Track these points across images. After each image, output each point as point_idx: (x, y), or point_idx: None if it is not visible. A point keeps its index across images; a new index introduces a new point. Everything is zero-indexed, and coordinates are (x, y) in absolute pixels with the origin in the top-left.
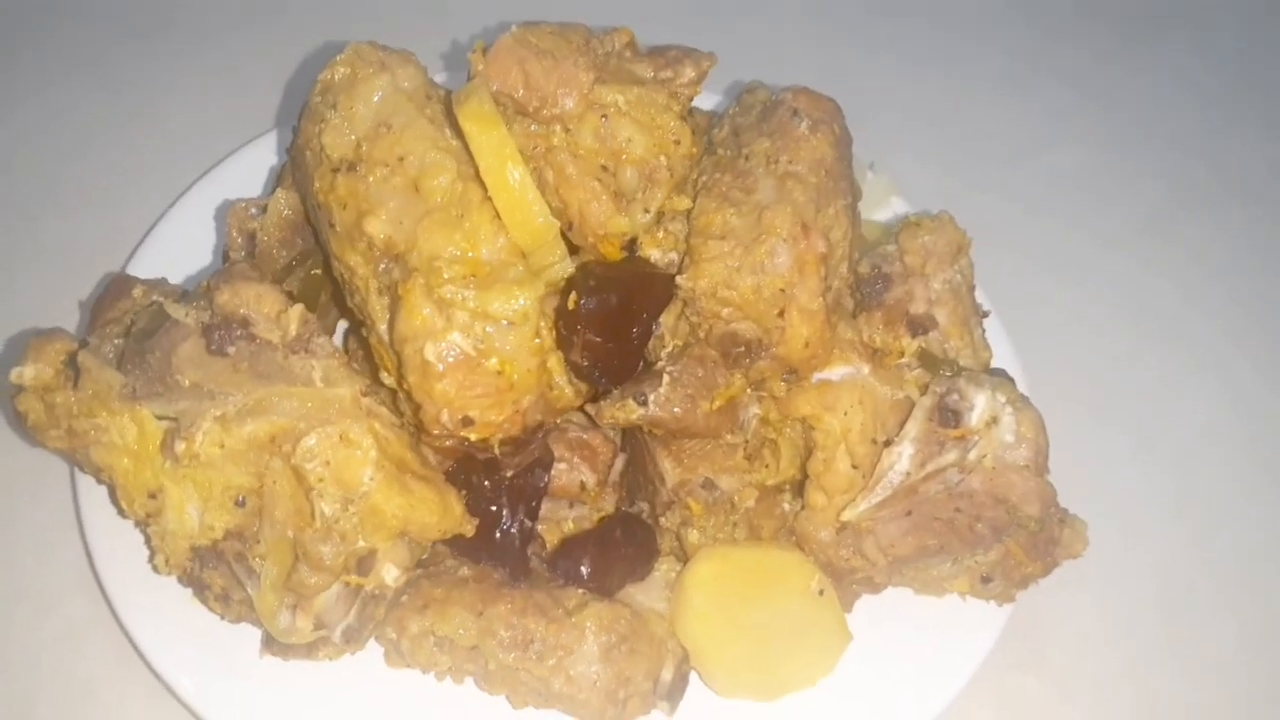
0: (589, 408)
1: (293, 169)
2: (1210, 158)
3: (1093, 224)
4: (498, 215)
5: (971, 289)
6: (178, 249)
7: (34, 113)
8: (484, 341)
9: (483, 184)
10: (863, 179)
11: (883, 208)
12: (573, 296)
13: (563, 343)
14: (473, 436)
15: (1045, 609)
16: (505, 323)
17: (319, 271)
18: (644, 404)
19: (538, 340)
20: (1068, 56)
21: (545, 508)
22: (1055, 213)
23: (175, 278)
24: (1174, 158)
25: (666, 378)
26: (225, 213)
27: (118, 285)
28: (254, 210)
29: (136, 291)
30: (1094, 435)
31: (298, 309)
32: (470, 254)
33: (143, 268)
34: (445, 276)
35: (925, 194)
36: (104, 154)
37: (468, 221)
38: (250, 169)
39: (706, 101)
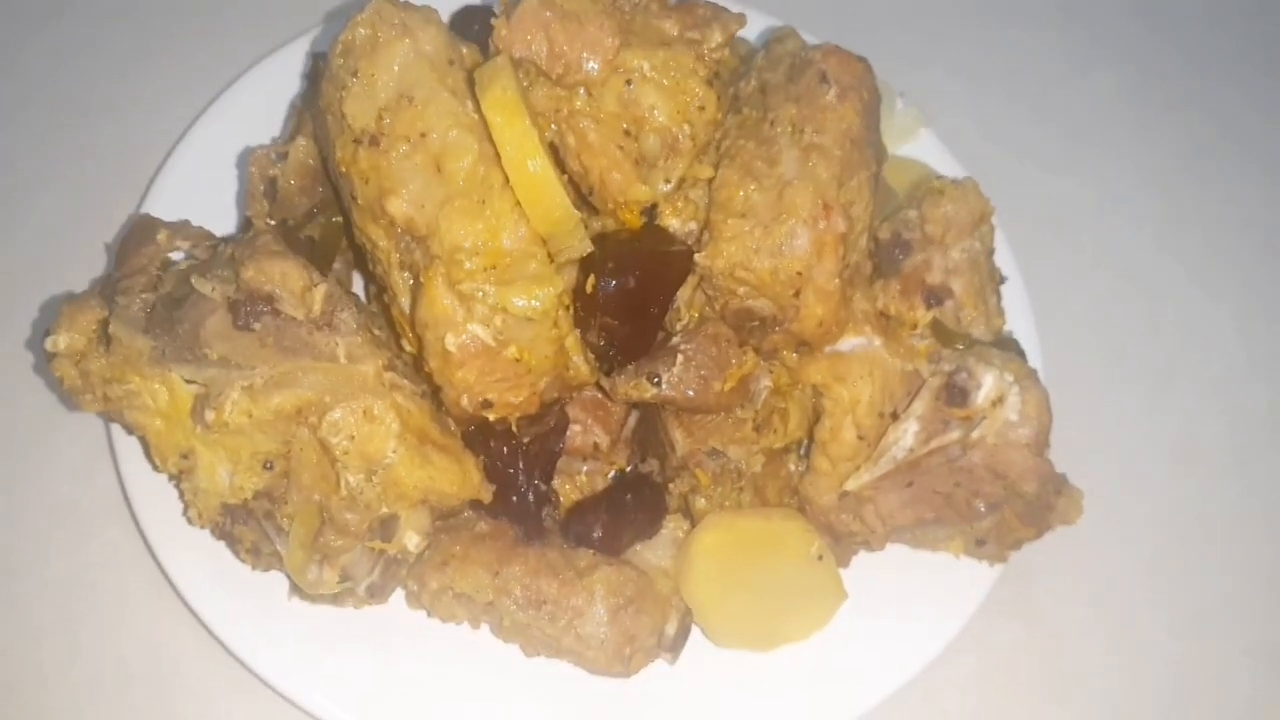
0: (603, 382)
1: (314, 124)
2: (1258, 88)
3: (1127, 156)
4: (519, 203)
5: (991, 254)
6: (198, 182)
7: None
8: (503, 332)
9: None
10: (892, 108)
11: (912, 140)
12: (591, 280)
13: (580, 323)
14: (491, 417)
15: (1035, 557)
16: (524, 318)
17: (340, 219)
18: (657, 384)
19: (555, 331)
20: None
21: (559, 462)
22: (1090, 142)
23: (196, 214)
24: (1220, 88)
25: (680, 357)
26: (245, 156)
27: (141, 229)
28: (275, 156)
29: (160, 236)
30: (1104, 384)
31: (322, 288)
32: (491, 243)
33: (161, 202)
34: (466, 268)
35: (957, 115)
36: (121, 66)
37: (489, 209)
38: (265, 90)
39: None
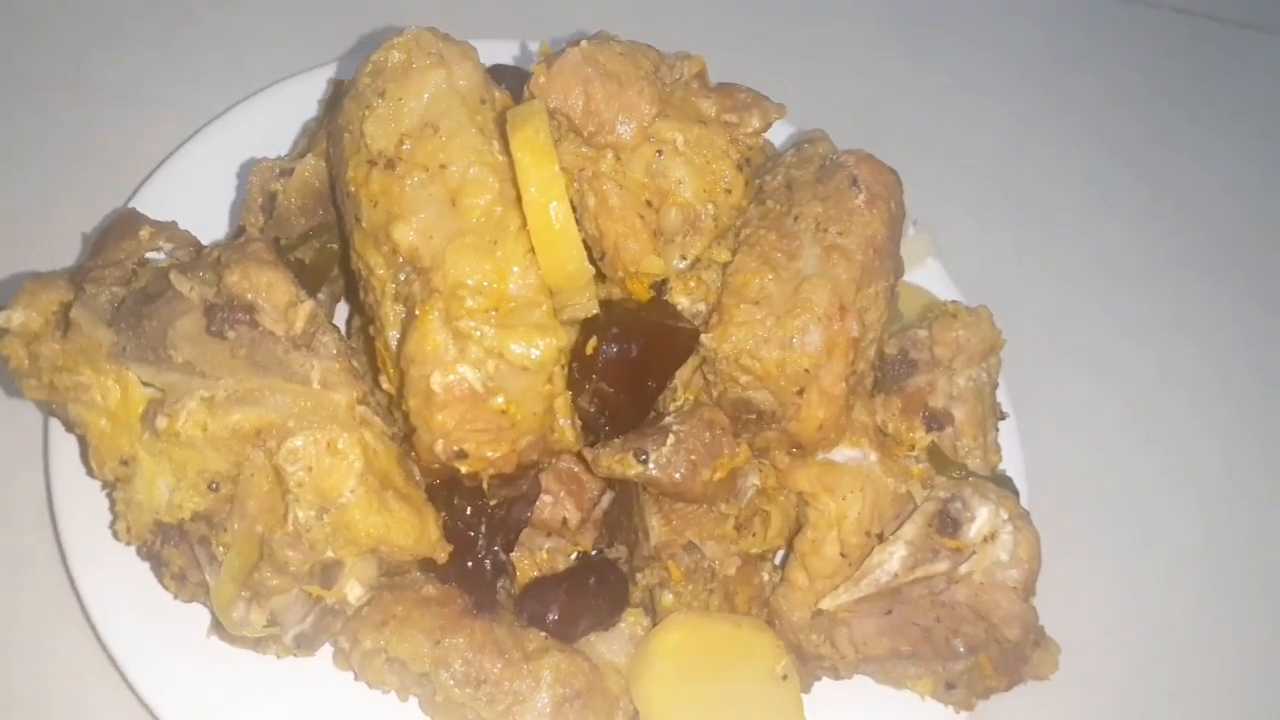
0: (585, 452)
1: (328, 143)
2: (1260, 263)
3: (1126, 310)
4: (533, 249)
5: (995, 387)
6: (193, 189)
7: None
8: (493, 379)
9: (523, 212)
10: (903, 235)
11: (919, 267)
12: (592, 342)
13: (574, 386)
14: (464, 469)
15: (1000, 704)
16: (520, 367)
17: (335, 246)
18: (644, 462)
19: (549, 387)
20: (1131, 130)
21: (522, 534)
22: (1092, 291)
23: (186, 220)
24: (1219, 252)
25: (671, 438)
26: (247, 168)
27: (124, 223)
28: (279, 171)
29: (143, 233)
30: (1085, 537)
31: (308, 305)
32: (496, 285)
33: (151, 203)
34: (467, 305)
35: (963, 253)
36: (137, 59)
37: (500, 250)
38: (280, 110)
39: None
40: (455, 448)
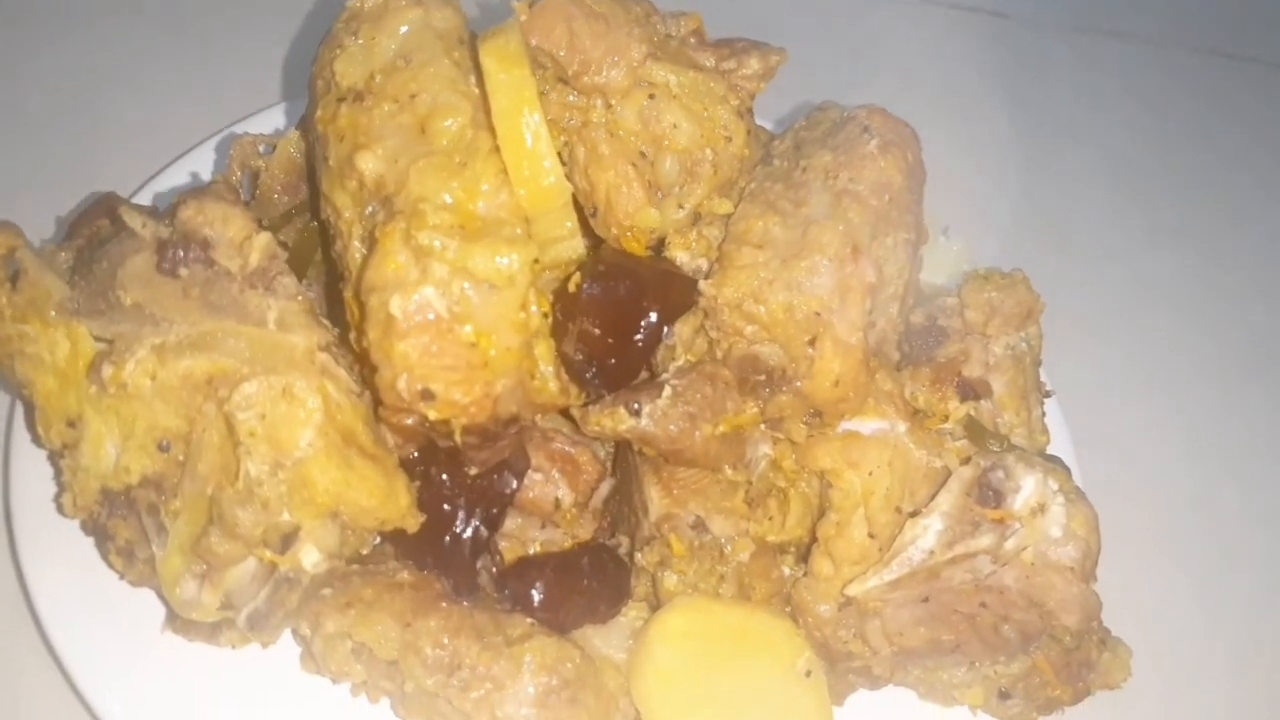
0: (574, 411)
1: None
2: None
3: (1182, 340)
4: (505, 170)
5: (1037, 362)
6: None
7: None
8: (460, 304)
9: (495, 133)
10: (935, 244)
11: (951, 277)
12: (575, 278)
13: (556, 328)
14: (431, 415)
15: None
16: (487, 285)
17: (317, 224)
18: (636, 414)
19: (523, 315)
20: (1185, 161)
21: (512, 524)
22: (1141, 322)
23: None
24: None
25: (668, 389)
26: (226, 144)
27: (102, 204)
28: (262, 147)
29: (120, 210)
30: (1145, 559)
31: (264, 237)
32: (465, 204)
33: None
34: (430, 222)
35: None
36: (135, 88)
37: (469, 170)
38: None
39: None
40: (420, 386)
